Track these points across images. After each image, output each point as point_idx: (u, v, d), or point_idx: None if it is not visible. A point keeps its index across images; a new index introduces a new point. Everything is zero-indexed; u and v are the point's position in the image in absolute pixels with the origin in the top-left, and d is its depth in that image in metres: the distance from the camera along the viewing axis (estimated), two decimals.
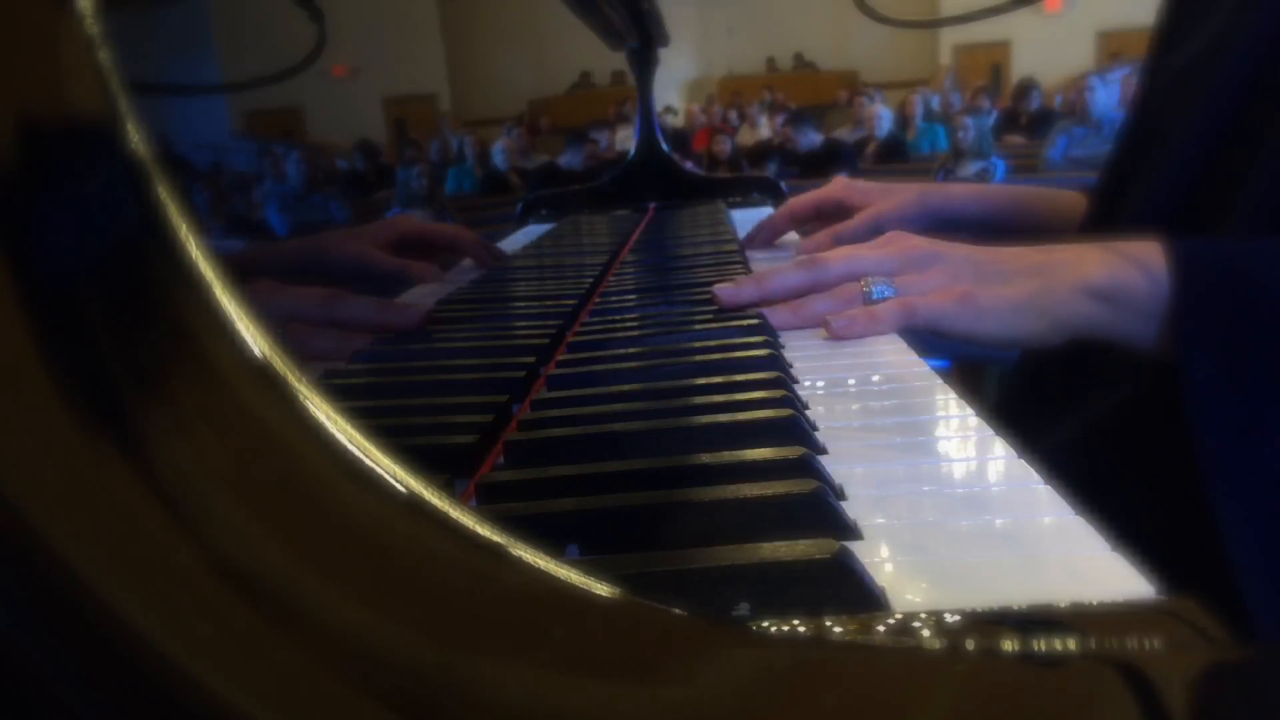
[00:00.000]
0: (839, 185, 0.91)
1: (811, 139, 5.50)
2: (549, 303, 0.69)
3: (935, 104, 6.59)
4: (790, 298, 0.62)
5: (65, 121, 0.17)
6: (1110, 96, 4.43)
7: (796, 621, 0.20)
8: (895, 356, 0.53)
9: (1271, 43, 0.57)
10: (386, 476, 0.19)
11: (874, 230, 0.80)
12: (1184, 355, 0.50)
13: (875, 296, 0.58)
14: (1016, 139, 5.73)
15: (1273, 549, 0.46)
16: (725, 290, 0.64)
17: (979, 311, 0.54)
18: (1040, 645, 0.20)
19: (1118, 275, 0.53)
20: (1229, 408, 0.49)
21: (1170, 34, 0.70)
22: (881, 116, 5.71)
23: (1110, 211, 0.69)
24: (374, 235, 0.81)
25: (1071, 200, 0.83)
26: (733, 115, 7.42)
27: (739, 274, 0.72)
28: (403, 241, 0.83)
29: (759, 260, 0.89)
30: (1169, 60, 0.67)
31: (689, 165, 1.72)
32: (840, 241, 0.82)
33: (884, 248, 0.62)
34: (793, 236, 0.99)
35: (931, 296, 0.56)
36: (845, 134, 6.05)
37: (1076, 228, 0.77)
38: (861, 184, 0.90)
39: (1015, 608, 0.22)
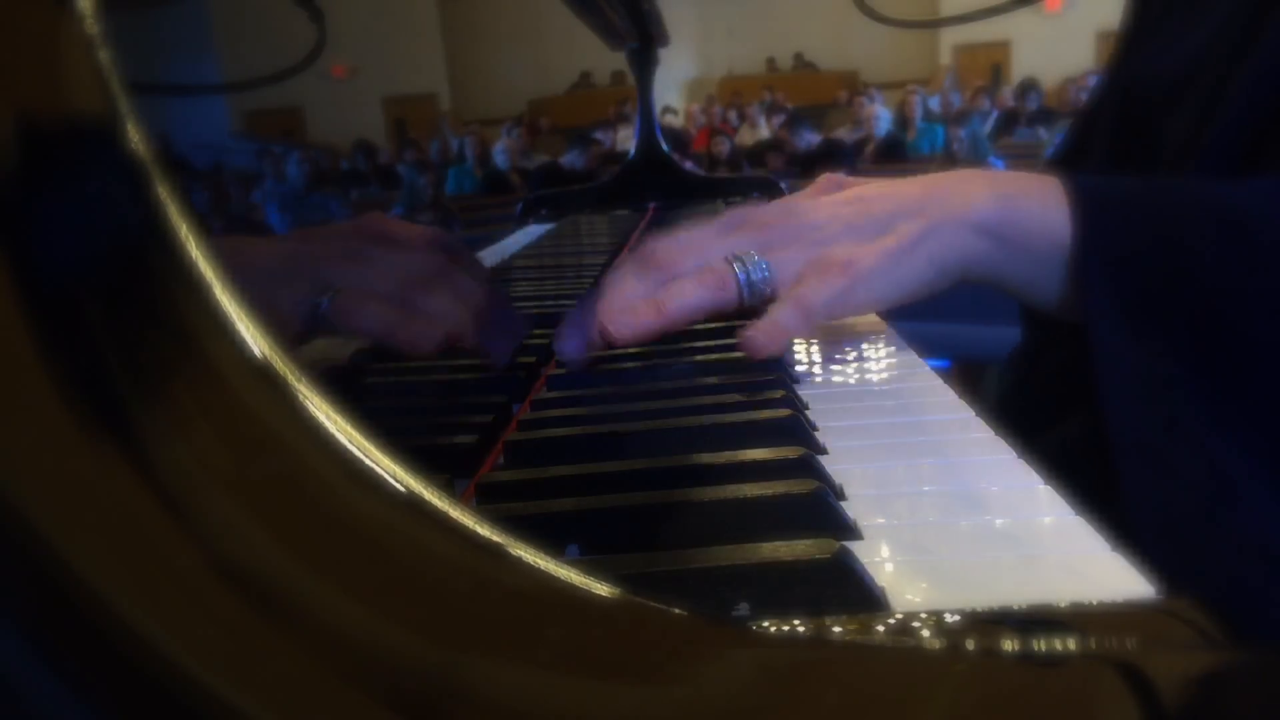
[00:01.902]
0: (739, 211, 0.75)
1: (809, 140, 5.51)
2: (549, 303, 0.69)
3: (935, 104, 6.61)
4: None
5: (65, 121, 0.17)
6: None
7: (796, 621, 0.20)
8: (895, 357, 0.53)
9: None
10: (386, 476, 0.19)
11: None
12: (1087, 304, 0.45)
13: (755, 277, 0.48)
14: (1024, 137, 5.76)
15: (1174, 514, 0.42)
16: (566, 340, 0.49)
17: (865, 277, 0.47)
18: (1040, 645, 0.20)
19: (1009, 207, 0.47)
20: (1137, 365, 0.44)
21: (1146, 28, 0.69)
22: (880, 117, 5.73)
23: None
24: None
25: None
26: (732, 115, 7.43)
27: None
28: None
29: None
30: (1161, 58, 0.66)
31: (689, 165, 1.72)
32: None
33: (733, 231, 0.52)
34: None
35: (812, 283, 0.47)
36: (845, 134, 6.06)
37: None
38: (766, 207, 0.75)
39: (1015, 608, 0.22)
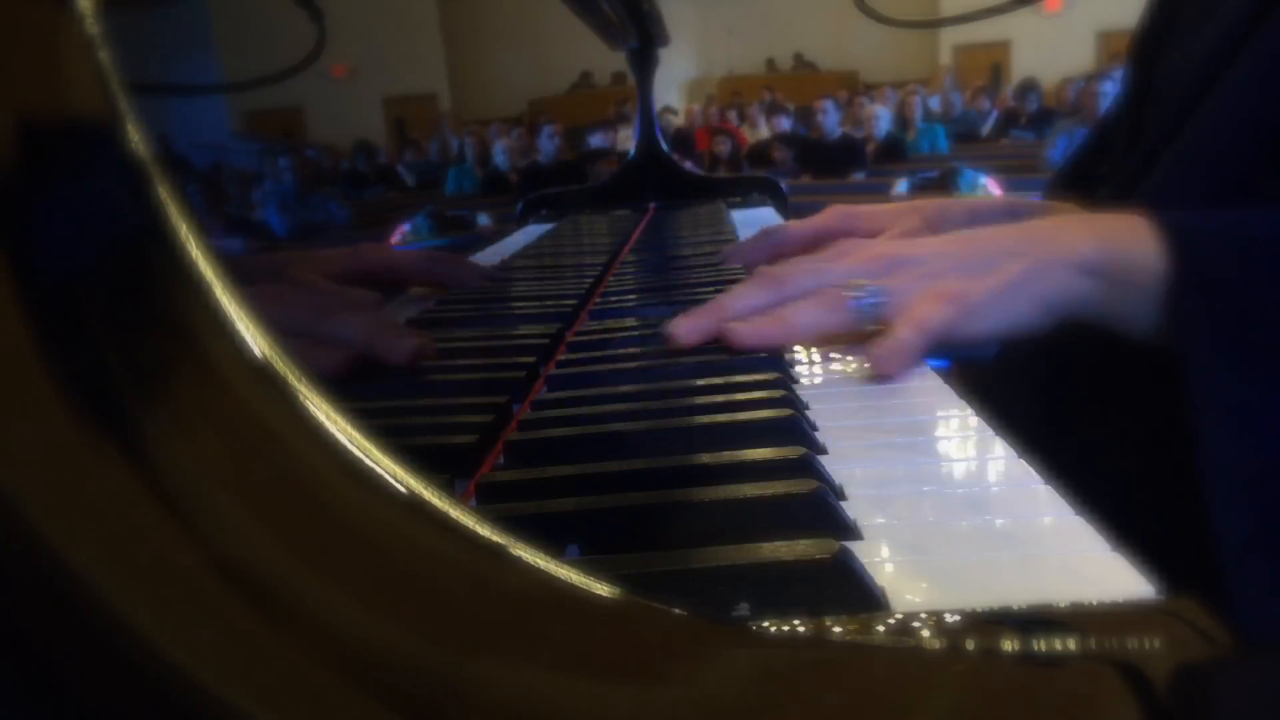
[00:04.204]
0: (836, 215, 0.79)
1: (833, 127, 5.49)
2: (549, 303, 0.69)
3: (935, 104, 6.62)
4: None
5: (65, 121, 0.17)
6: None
7: (796, 621, 0.20)
8: None
9: None
10: (386, 476, 0.19)
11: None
12: (1184, 337, 0.46)
13: (868, 302, 0.51)
14: (1025, 138, 5.78)
15: (1269, 544, 0.43)
16: (682, 326, 0.53)
17: (975, 309, 0.49)
18: (1040, 645, 0.20)
19: (1109, 246, 0.49)
20: (1232, 394, 0.45)
21: (1164, 35, 0.69)
22: (880, 117, 5.73)
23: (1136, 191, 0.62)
24: (333, 266, 0.69)
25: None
26: (732, 115, 7.43)
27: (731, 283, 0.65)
28: (368, 277, 0.71)
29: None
30: (1171, 58, 0.66)
31: (689, 165, 1.72)
32: None
33: (845, 258, 0.55)
34: None
35: (928, 307, 0.49)
36: (848, 132, 6.06)
37: None
38: (864, 209, 0.79)
39: (1015, 608, 0.22)
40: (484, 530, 0.19)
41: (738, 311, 0.53)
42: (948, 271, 0.52)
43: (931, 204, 0.78)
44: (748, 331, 0.51)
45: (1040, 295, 0.49)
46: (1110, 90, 4.48)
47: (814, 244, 0.82)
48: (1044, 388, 0.69)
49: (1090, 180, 0.81)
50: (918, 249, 0.54)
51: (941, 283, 0.51)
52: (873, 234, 0.75)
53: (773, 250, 0.81)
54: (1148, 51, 0.71)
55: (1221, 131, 0.55)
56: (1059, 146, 4.56)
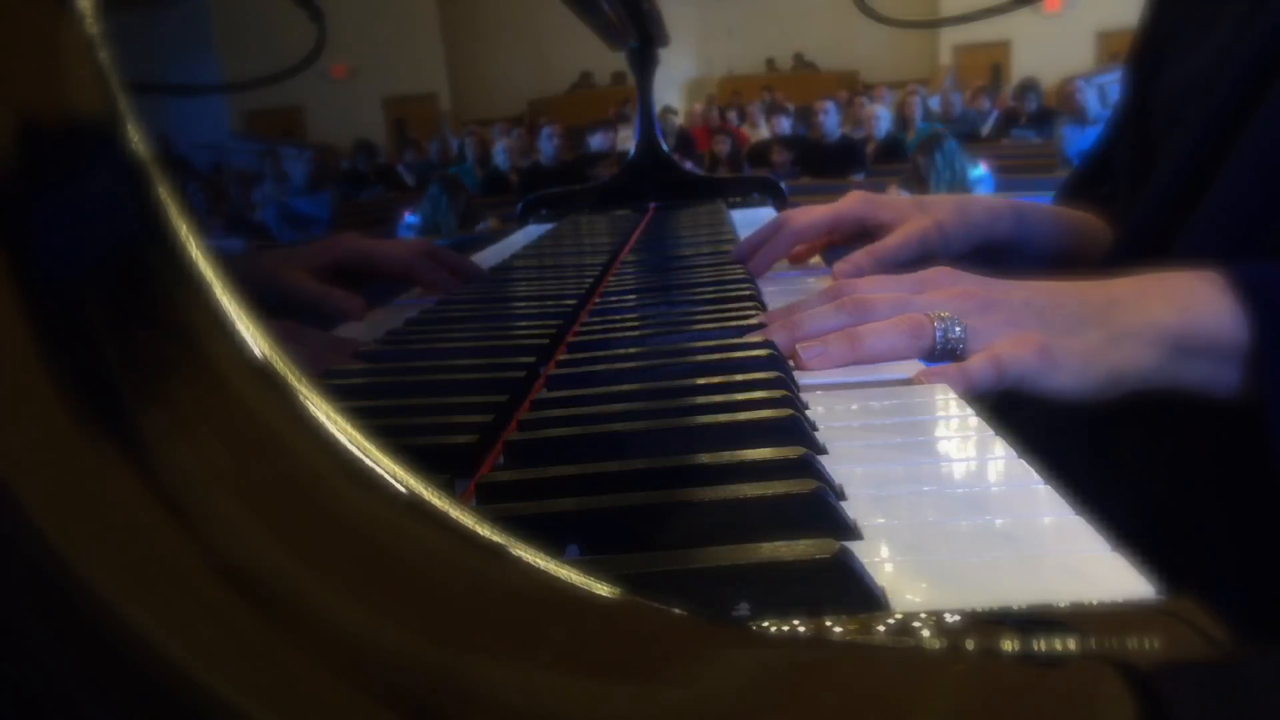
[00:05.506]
0: (857, 200, 0.79)
1: (832, 128, 5.50)
2: (549, 303, 0.69)
3: (935, 104, 6.62)
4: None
5: (65, 121, 0.17)
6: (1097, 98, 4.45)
7: (796, 621, 0.20)
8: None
9: None
10: (386, 476, 0.19)
11: (919, 251, 0.72)
12: (1272, 399, 0.47)
13: (952, 336, 0.51)
14: (1025, 138, 5.79)
15: None
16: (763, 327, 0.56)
17: (1055, 365, 0.49)
18: (1040, 645, 0.20)
19: (1190, 321, 0.49)
20: None
21: (1165, 43, 0.69)
22: (880, 117, 5.73)
23: (1157, 239, 0.62)
24: (309, 257, 0.70)
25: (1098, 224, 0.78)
26: (732, 115, 7.43)
27: (749, 304, 0.65)
28: (342, 266, 0.71)
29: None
30: (1173, 71, 0.66)
31: (689, 165, 1.72)
32: (879, 263, 0.72)
33: (936, 291, 0.55)
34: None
35: (1011, 349, 0.50)
36: (847, 133, 6.07)
37: (1104, 256, 0.71)
38: (885, 198, 0.79)
39: (1015, 608, 0.22)
40: (484, 530, 0.19)
41: (814, 333, 0.53)
42: (1031, 324, 0.52)
43: (948, 202, 0.77)
44: (820, 360, 0.51)
45: (1114, 368, 0.50)
46: (1083, 86, 4.48)
47: (832, 231, 0.82)
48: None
49: (1096, 198, 0.81)
50: (1006, 294, 0.54)
51: (1030, 333, 0.51)
52: (891, 224, 0.76)
53: (792, 244, 0.81)
54: (1146, 63, 0.70)
55: (1253, 186, 0.55)
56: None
